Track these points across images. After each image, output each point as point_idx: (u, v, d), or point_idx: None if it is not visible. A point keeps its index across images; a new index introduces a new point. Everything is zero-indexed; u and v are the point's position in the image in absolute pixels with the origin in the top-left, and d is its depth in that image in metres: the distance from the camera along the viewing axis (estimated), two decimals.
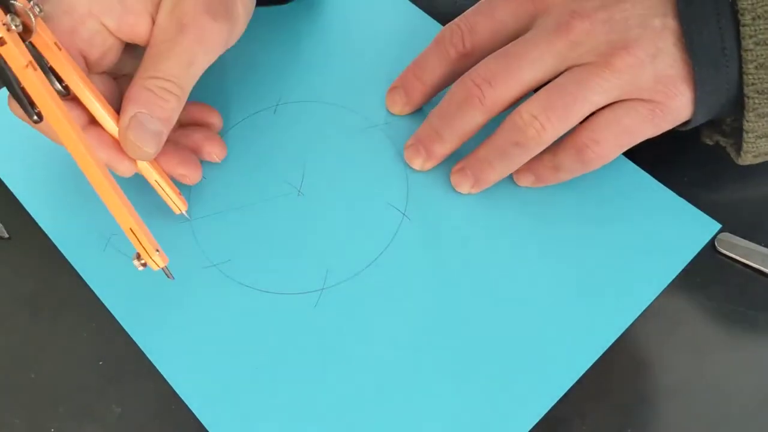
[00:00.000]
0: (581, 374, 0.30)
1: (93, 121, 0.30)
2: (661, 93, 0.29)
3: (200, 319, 0.32)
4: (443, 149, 0.34)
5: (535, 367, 0.30)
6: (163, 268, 0.30)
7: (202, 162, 0.35)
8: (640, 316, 0.31)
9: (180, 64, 0.30)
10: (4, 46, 0.26)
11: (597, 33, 0.29)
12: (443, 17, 0.40)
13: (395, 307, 0.32)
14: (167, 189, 0.32)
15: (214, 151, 0.35)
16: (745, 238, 0.32)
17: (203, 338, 0.32)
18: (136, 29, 0.30)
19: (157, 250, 0.30)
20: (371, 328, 0.32)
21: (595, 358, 0.31)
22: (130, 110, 0.29)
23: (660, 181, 0.35)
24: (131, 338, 0.32)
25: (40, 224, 0.35)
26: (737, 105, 0.29)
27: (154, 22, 0.30)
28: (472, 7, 0.34)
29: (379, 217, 0.34)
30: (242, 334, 0.32)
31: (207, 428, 0.30)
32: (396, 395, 0.30)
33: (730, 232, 0.33)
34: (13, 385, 0.32)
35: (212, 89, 0.38)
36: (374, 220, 0.34)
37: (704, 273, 0.32)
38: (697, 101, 0.29)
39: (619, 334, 0.31)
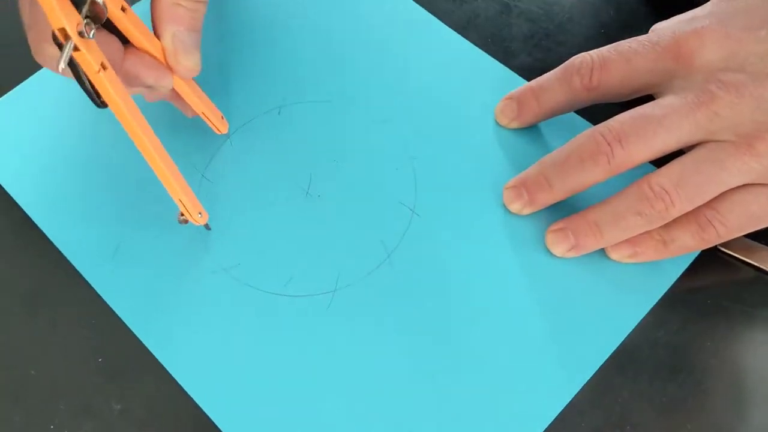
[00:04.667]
0: (593, 374, 0.31)
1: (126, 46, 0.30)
2: None
3: (213, 325, 0.32)
4: (548, 198, 0.32)
5: (548, 366, 0.31)
6: (204, 225, 0.33)
7: (211, 169, 0.34)
8: None
9: None
10: (78, 53, 0.27)
11: (742, 109, 0.28)
12: (444, 13, 0.40)
13: (409, 306, 0.32)
14: (207, 111, 0.34)
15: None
16: (746, 236, 0.32)
17: (216, 343, 0.32)
18: None
19: (200, 213, 0.32)
20: (385, 327, 0.32)
21: (606, 357, 0.31)
22: (168, 30, 0.30)
23: None
24: (131, 335, 0.32)
25: (50, 237, 0.34)
26: None
27: None
28: (612, 45, 0.32)
29: (389, 215, 0.34)
30: (256, 337, 0.32)
31: None
32: (411, 396, 0.30)
33: None
34: (13, 382, 0.32)
35: (214, 93, 0.37)
36: (384, 219, 0.34)
37: (705, 271, 0.32)
38: None
39: (627, 333, 0.31)
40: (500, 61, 0.38)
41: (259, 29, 0.40)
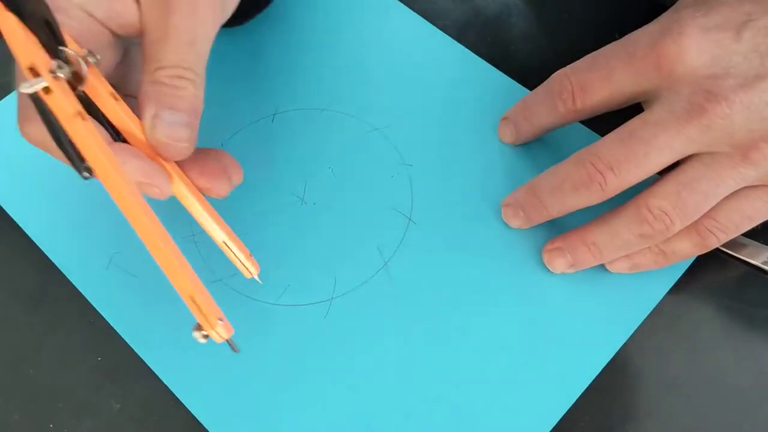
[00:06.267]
0: (597, 373, 0.30)
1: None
2: None
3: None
4: (544, 217, 0.32)
5: (549, 371, 0.31)
6: (227, 341, 0.26)
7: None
8: None
9: (180, 45, 0.26)
10: (50, 95, 0.23)
11: (734, 119, 0.27)
12: (442, 13, 0.40)
13: (406, 313, 0.32)
14: (235, 249, 0.28)
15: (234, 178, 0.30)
16: (746, 235, 0.31)
17: (212, 354, 0.31)
18: (125, 16, 0.27)
19: (220, 320, 0.25)
20: (383, 335, 0.32)
21: (611, 356, 0.31)
22: (148, 111, 0.26)
23: None
24: None
25: (40, 246, 0.34)
26: None
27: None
28: (587, 60, 0.31)
29: (385, 223, 0.34)
30: (253, 347, 0.31)
31: None
32: (409, 403, 0.30)
33: None
34: (12, 381, 0.32)
35: (207, 100, 0.37)
36: (380, 226, 0.34)
37: (705, 270, 0.32)
38: None
39: (631, 331, 0.31)
40: (499, 62, 0.38)
41: (251, 36, 0.39)
